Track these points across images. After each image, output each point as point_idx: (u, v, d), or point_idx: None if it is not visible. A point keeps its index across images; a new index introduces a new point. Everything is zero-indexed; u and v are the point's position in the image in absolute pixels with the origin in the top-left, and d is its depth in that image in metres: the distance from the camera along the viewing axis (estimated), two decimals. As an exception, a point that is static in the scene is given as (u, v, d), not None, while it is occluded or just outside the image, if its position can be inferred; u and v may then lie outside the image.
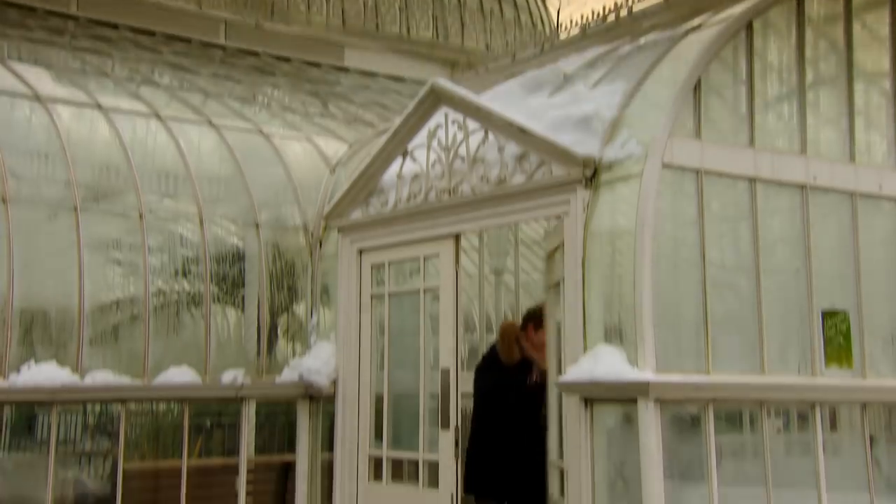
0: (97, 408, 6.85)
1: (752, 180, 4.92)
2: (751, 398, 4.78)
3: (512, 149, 5.33)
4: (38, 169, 6.26)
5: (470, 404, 6.28)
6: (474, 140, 5.54)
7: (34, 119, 6.42)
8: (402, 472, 6.04)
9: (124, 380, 5.94)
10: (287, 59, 9.55)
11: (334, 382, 6.39)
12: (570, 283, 4.93)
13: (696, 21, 5.41)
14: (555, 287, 5.34)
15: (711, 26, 5.16)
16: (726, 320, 4.82)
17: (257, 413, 7.39)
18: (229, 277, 6.87)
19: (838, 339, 5.06)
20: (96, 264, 6.20)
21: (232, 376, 6.32)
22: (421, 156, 5.90)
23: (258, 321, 6.70)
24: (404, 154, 6.03)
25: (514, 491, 5.84)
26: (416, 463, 5.84)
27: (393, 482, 6.03)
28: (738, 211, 4.95)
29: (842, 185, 5.19)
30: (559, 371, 5.03)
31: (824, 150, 5.22)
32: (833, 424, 5.17)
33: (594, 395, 4.67)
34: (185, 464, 6.17)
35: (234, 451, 6.51)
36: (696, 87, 4.82)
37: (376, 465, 6.14)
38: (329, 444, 6.48)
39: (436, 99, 5.79)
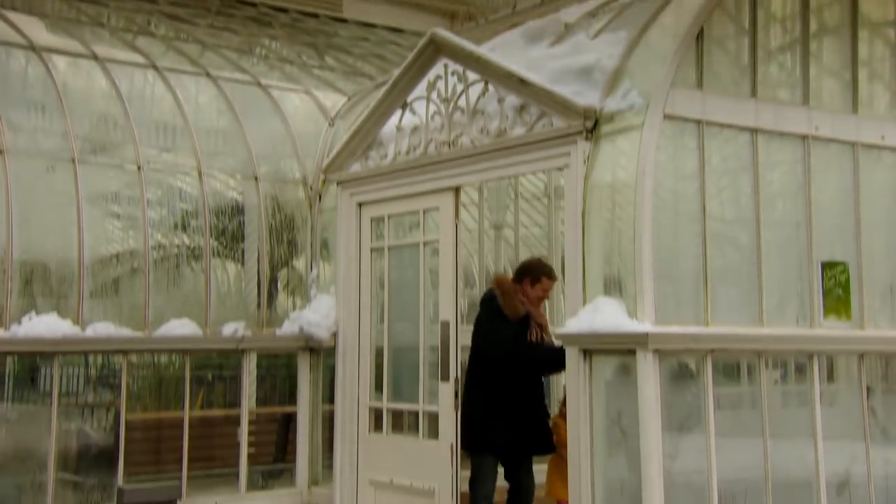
0: (99, 360, 6.89)
1: (753, 131, 4.89)
2: (749, 349, 4.80)
3: (512, 100, 5.28)
4: (35, 121, 6.22)
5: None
6: (474, 92, 5.49)
7: (30, 70, 6.37)
8: (402, 423, 6.10)
9: (125, 332, 5.97)
10: (285, 10, 9.43)
11: (334, 335, 6.42)
12: (570, 236, 4.93)
13: (699, -30, 5.33)
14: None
15: (715, -25, 5.09)
16: (725, 273, 4.83)
17: (258, 366, 7.46)
18: (229, 231, 6.87)
19: (837, 290, 5.07)
20: (95, 217, 6.20)
21: (232, 329, 6.35)
22: (420, 108, 5.86)
23: (258, 274, 6.72)
24: (403, 106, 5.99)
25: (518, 446, 5.72)
26: (416, 414, 5.89)
27: (393, 433, 6.09)
28: (738, 163, 4.93)
29: (844, 135, 5.16)
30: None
31: (827, 102, 5.18)
32: (830, 376, 5.21)
33: (593, 347, 4.70)
34: (186, 414, 6.23)
35: (235, 403, 6.58)
36: (699, 38, 4.77)
37: (377, 416, 6.19)
38: (330, 396, 6.53)
39: (435, 50, 5.73)
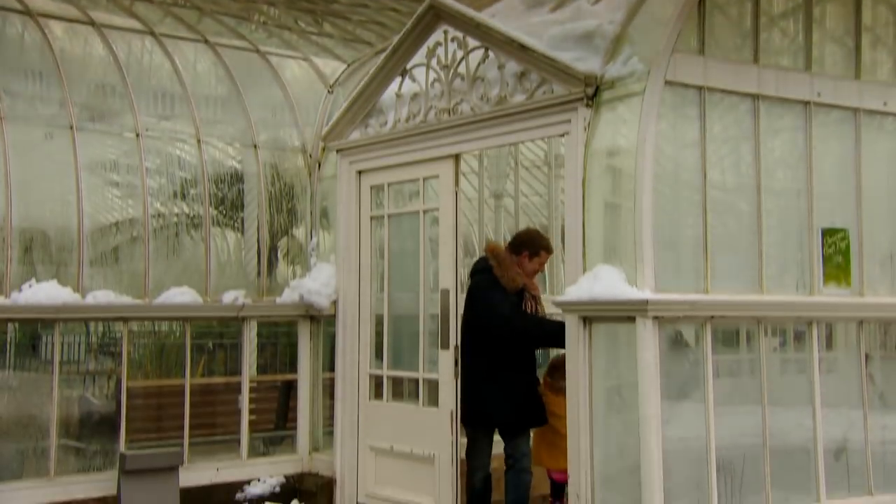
0: (100, 328, 6.92)
1: (755, 97, 4.86)
2: (748, 316, 4.81)
3: (512, 67, 5.25)
4: (33, 87, 6.19)
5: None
6: (474, 58, 5.45)
7: (27, 36, 6.32)
8: (403, 390, 6.13)
9: (125, 299, 5.98)
10: (283, -24, 9.34)
11: (334, 303, 6.43)
12: (570, 204, 4.92)
13: (702, -66, 5.27)
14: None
15: (718, -61, 5.03)
16: (726, 241, 4.82)
17: (259, 335, 7.49)
18: (228, 199, 6.86)
19: (837, 257, 5.07)
20: (94, 186, 6.19)
21: (232, 297, 6.36)
22: (420, 75, 5.82)
23: (258, 243, 6.72)
24: (403, 73, 5.95)
25: (516, 420, 5.60)
26: (416, 381, 5.92)
27: (393, 400, 6.13)
28: (740, 131, 4.91)
29: (846, 102, 5.14)
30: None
31: (829, 68, 5.15)
32: (829, 343, 5.22)
33: (593, 314, 4.70)
34: (188, 381, 6.26)
35: (236, 371, 6.61)
36: (701, 3, 4.72)
37: (377, 383, 6.22)
38: (330, 364, 6.56)
39: (435, 15, 5.68)
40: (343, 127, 6.44)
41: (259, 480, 6.32)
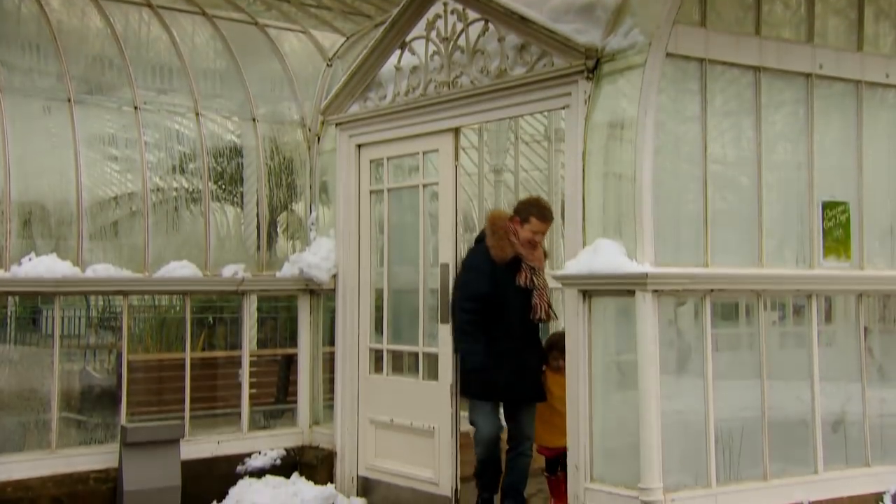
0: (100, 303, 6.93)
1: (756, 70, 4.83)
2: (748, 289, 4.82)
3: (512, 39, 5.21)
4: (30, 60, 6.14)
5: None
6: (474, 30, 5.42)
7: (24, 8, 6.26)
8: (402, 364, 6.15)
9: (125, 273, 5.98)
10: (281, -53, 9.26)
11: (334, 277, 6.44)
12: (570, 177, 4.91)
13: None
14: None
15: None
16: (726, 214, 4.82)
17: (259, 309, 7.51)
18: (227, 174, 6.84)
19: (837, 230, 5.06)
20: (93, 160, 6.16)
21: (232, 270, 6.36)
22: (420, 48, 5.79)
23: (257, 217, 6.70)
24: (402, 46, 5.91)
25: (515, 392, 5.48)
26: (416, 355, 5.93)
27: (393, 374, 6.15)
28: (741, 104, 4.88)
29: (848, 74, 5.11)
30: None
31: (831, 40, 5.12)
32: (828, 317, 5.23)
33: (592, 288, 4.71)
34: (188, 355, 6.28)
35: (236, 345, 6.62)
36: (702, -26, 4.69)
37: (377, 357, 6.24)
38: (330, 339, 6.58)
39: (435, -13, 5.63)
40: (342, 100, 6.41)
41: (260, 453, 6.36)
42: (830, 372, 5.04)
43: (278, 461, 6.38)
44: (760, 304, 4.84)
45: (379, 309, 6.25)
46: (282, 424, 6.72)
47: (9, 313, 6.11)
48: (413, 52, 5.83)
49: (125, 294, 6.06)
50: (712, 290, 4.65)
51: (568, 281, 4.79)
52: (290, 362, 6.95)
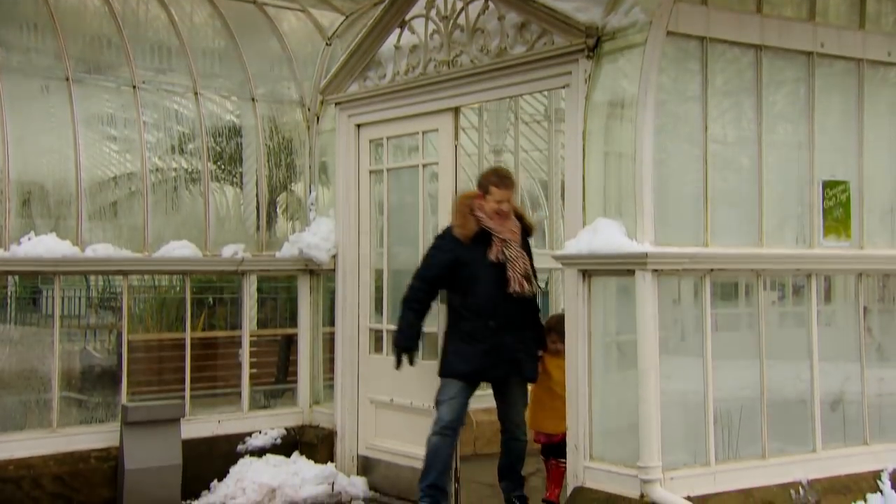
0: (100, 283, 6.93)
1: (758, 48, 4.81)
2: (748, 269, 4.81)
3: (513, 17, 5.19)
4: (28, 39, 6.11)
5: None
6: (474, 9, 5.39)
7: (20, -14, 6.24)
8: (402, 344, 6.14)
9: (125, 253, 5.98)
10: (279, -75, 9.19)
11: (334, 258, 6.44)
12: (570, 157, 4.89)
13: None
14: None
15: None
16: (726, 194, 4.81)
17: (259, 290, 7.51)
18: (226, 154, 6.82)
19: (837, 210, 5.06)
20: (92, 140, 6.14)
21: (232, 250, 6.36)
22: (419, 26, 5.76)
23: (257, 197, 6.69)
24: (402, 24, 5.88)
25: (488, 373, 5.34)
26: (416, 335, 5.93)
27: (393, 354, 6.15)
28: (741, 84, 4.86)
29: (849, 52, 5.09)
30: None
31: (833, 18, 5.09)
32: (828, 296, 5.24)
33: (592, 268, 4.70)
34: (188, 335, 6.29)
35: (236, 325, 6.63)
36: (704, -49, 4.66)
37: (377, 337, 6.25)
38: (330, 319, 6.58)
39: (434, -34, 5.60)
40: (341, 80, 6.38)
41: (260, 433, 6.38)
42: (829, 351, 5.04)
43: (279, 440, 6.41)
44: (760, 283, 4.84)
45: (379, 289, 6.26)
46: (282, 404, 6.75)
47: (9, 293, 6.11)
48: (413, 31, 5.81)
49: (125, 274, 6.06)
50: (712, 270, 4.65)
51: (568, 261, 4.79)
52: (290, 342, 6.96)
